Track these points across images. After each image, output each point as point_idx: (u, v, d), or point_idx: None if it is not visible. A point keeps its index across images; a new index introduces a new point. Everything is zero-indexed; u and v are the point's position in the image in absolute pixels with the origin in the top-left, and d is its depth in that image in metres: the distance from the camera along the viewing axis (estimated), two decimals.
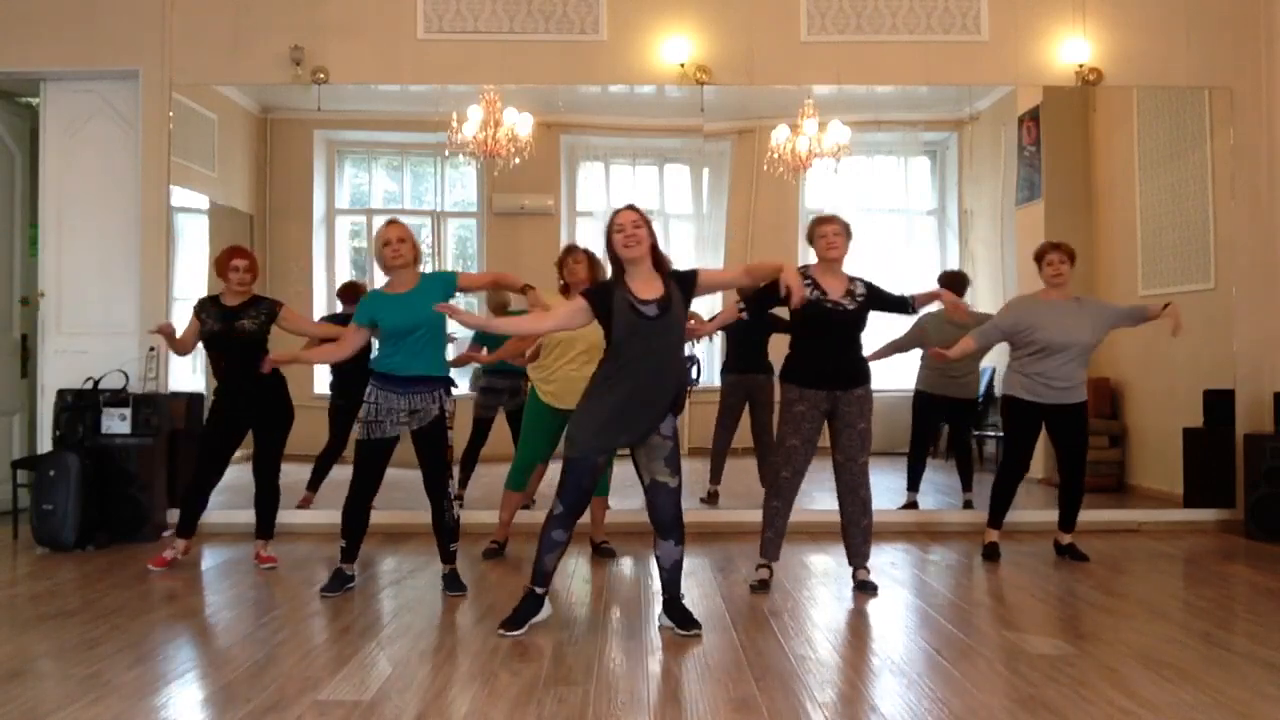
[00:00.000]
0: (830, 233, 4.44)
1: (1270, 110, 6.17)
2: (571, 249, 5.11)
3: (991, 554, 5.18)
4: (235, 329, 4.89)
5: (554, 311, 4.02)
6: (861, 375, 4.47)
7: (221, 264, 4.97)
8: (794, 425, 4.43)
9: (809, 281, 4.41)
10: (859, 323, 4.47)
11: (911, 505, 6.17)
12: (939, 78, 6.31)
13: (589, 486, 3.83)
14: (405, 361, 4.34)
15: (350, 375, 6.03)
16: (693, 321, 4.41)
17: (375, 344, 4.55)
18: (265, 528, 5.09)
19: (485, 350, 5.45)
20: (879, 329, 5.64)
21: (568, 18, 6.22)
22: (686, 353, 6.69)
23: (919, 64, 6.24)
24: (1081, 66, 6.19)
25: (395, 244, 4.37)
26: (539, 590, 3.89)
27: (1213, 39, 6.21)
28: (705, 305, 5.63)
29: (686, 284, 3.87)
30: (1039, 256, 5.15)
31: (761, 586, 4.51)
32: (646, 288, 3.80)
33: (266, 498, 5.07)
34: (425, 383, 4.37)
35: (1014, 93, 6.64)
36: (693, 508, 6.18)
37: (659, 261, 3.85)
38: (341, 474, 5.96)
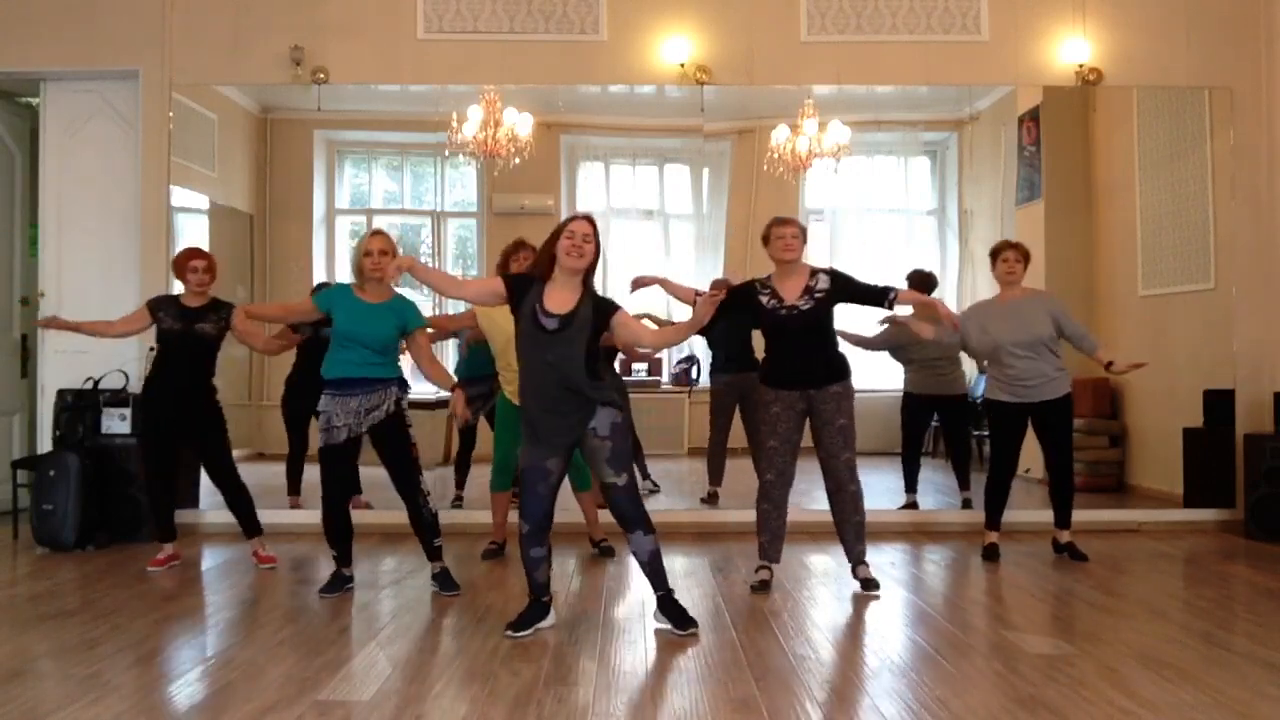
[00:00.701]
0: (789, 234, 4.41)
1: (1270, 110, 6.17)
2: (520, 245, 5.05)
3: (991, 555, 5.19)
4: (195, 331, 4.90)
5: (470, 281, 4.05)
6: (835, 372, 4.43)
7: (180, 265, 4.96)
8: (771, 426, 4.45)
9: (767, 290, 4.44)
10: (818, 321, 4.41)
11: (911, 506, 6.17)
12: (939, 78, 6.31)
13: (546, 493, 3.81)
14: (356, 367, 4.30)
15: (305, 377, 5.94)
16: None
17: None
18: (250, 527, 5.08)
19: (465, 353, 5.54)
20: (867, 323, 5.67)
21: (568, 18, 6.22)
22: (685, 353, 6.78)
23: (919, 64, 6.24)
24: (1081, 66, 6.19)
25: (377, 256, 4.31)
26: (543, 599, 3.90)
27: (1213, 39, 6.21)
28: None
29: (602, 313, 3.82)
30: (994, 253, 5.21)
31: (762, 587, 4.51)
32: (560, 299, 3.78)
33: (236, 499, 5.06)
34: (376, 383, 4.34)
35: (1014, 93, 6.64)
36: (692, 508, 6.20)
37: (589, 280, 3.84)
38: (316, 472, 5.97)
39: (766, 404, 4.46)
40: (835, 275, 4.45)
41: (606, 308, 3.84)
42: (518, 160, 6.40)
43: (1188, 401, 6.19)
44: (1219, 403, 6.14)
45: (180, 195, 6.25)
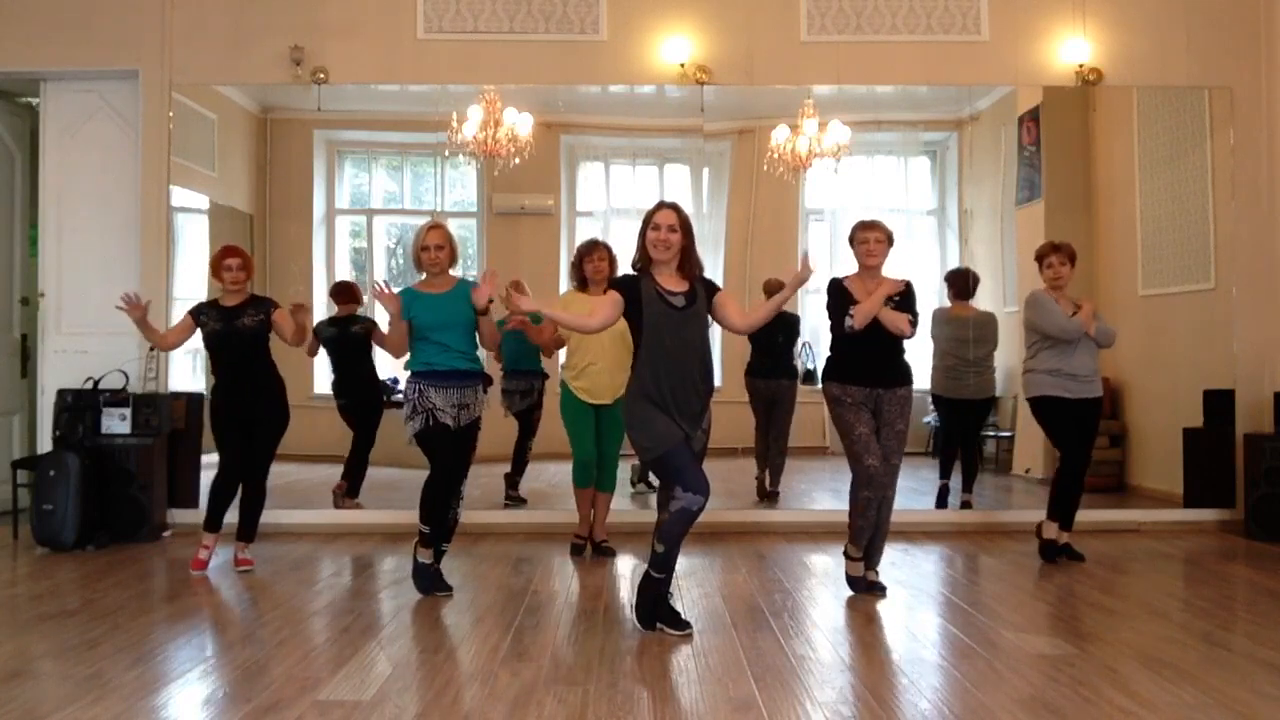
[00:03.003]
0: (871, 239, 4.41)
1: (1270, 110, 6.17)
2: (594, 245, 5.20)
3: (1051, 553, 5.09)
4: (237, 328, 4.88)
5: (596, 311, 3.99)
6: (903, 376, 4.46)
7: (215, 264, 4.97)
8: (854, 414, 4.38)
9: (845, 292, 4.41)
10: None
11: (944, 490, 6.18)
12: (939, 78, 6.30)
13: (695, 464, 3.82)
14: (444, 358, 4.34)
15: (348, 375, 6.07)
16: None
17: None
18: (248, 531, 5.04)
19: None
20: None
21: (568, 18, 6.21)
22: None
23: (919, 64, 6.23)
24: (1081, 66, 6.19)
25: (434, 251, 4.40)
26: (666, 576, 3.86)
27: (1213, 39, 6.20)
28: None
29: (709, 292, 3.96)
30: (1040, 256, 5.15)
31: (871, 588, 4.45)
32: (673, 282, 3.89)
33: (253, 500, 5.03)
34: (467, 377, 4.38)
35: (1014, 93, 6.64)
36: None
37: (687, 264, 3.90)
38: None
39: (836, 399, 4.43)
40: (909, 290, 4.46)
41: (711, 287, 3.99)
42: (518, 160, 6.40)
43: (1188, 401, 6.19)
44: (1219, 403, 6.13)
45: (180, 195, 6.25)
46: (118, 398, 5.76)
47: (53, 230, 6.24)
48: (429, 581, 4.42)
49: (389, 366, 6.25)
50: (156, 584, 4.71)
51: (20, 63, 6.15)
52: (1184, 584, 4.87)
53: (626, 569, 5.05)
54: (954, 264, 6.80)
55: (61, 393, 5.82)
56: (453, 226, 7.00)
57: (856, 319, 4.33)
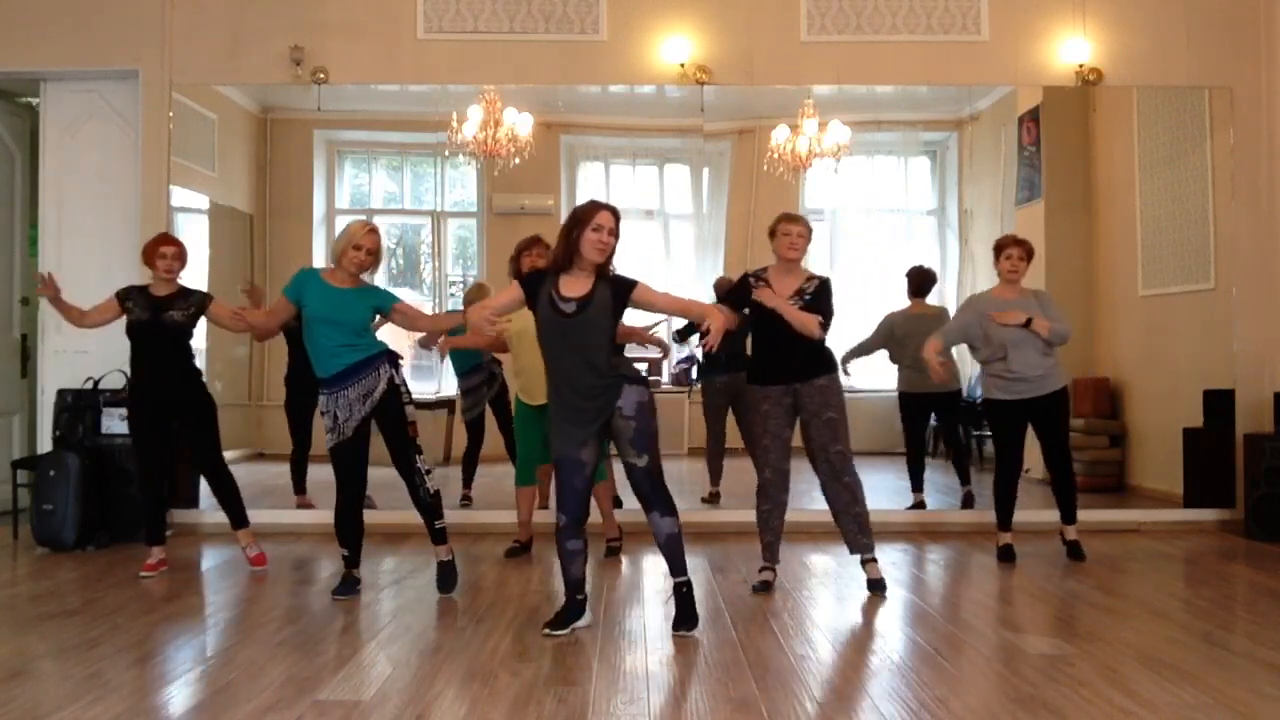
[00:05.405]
0: (795, 233, 4.42)
1: (1270, 110, 6.17)
2: (534, 241, 5.09)
3: (1007, 555, 5.14)
4: (163, 320, 4.80)
5: (493, 299, 3.93)
6: (820, 366, 4.42)
7: (149, 252, 4.88)
8: (762, 423, 4.44)
9: (761, 283, 4.43)
10: None
11: (919, 505, 6.16)
12: (939, 78, 6.30)
13: (581, 486, 3.80)
14: (334, 360, 4.26)
15: (303, 374, 6.00)
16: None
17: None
18: (237, 518, 4.99)
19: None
20: (848, 331, 5.68)
21: (568, 18, 6.21)
22: (685, 353, 6.78)
23: (919, 64, 6.23)
24: (1081, 66, 6.19)
25: (364, 257, 4.30)
26: (578, 597, 3.88)
27: (1213, 39, 6.20)
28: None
29: (621, 290, 3.77)
30: (1000, 247, 5.11)
31: (764, 588, 4.49)
32: (574, 285, 3.76)
33: (224, 489, 4.98)
34: (365, 366, 4.28)
35: (1014, 93, 6.64)
36: (692, 508, 6.19)
37: (604, 266, 3.78)
38: (322, 471, 5.98)
39: (756, 403, 4.46)
40: (822, 290, 4.43)
41: (625, 286, 3.78)
42: (518, 160, 6.40)
43: (1188, 401, 6.18)
44: (1219, 403, 6.13)
45: (180, 195, 6.25)
46: (118, 398, 5.75)
47: (53, 230, 6.23)
48: (350, 587, 4.40)
49: None
50: (156, 584, 4.71)
51: (20, 63, 6.15)
52: (1184, 584, 4.87)
53: (627, 569, 5.05)
54: (954, 264, 6.81)
55: (61, 393, 5.82)
56: (453, 226, 7.10)
57: (764, 298, 4.33)
